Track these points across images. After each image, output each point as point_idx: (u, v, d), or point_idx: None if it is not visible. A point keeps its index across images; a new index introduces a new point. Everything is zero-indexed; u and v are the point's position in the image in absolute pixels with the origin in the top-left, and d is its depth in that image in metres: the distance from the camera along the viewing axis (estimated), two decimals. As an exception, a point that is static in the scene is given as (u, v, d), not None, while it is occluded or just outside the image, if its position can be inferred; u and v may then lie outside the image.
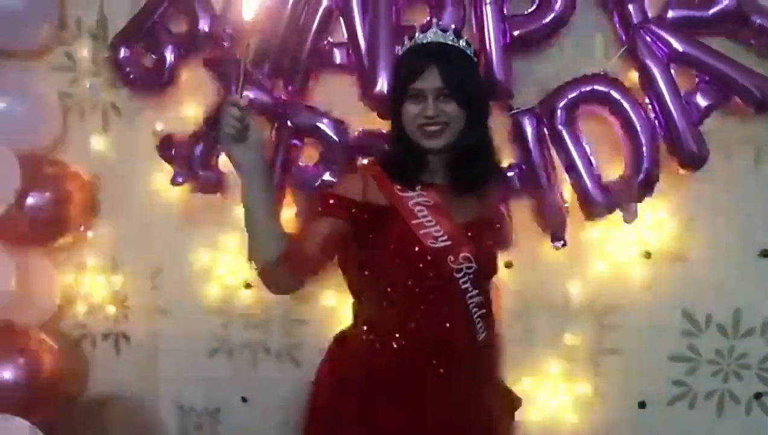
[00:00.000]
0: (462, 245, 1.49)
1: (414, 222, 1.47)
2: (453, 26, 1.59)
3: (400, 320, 1.51)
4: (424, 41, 1.49)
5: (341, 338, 1.67)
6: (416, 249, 1.47)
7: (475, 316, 1.53)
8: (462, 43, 1.50)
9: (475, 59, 1.54)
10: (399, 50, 1.57)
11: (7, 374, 2.15)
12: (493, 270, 1.65)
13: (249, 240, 1.44)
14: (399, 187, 1.51)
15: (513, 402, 1.72)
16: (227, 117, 1.35)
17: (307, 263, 1.46)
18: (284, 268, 1.42)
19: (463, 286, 1.50)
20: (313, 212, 1.52)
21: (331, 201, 1.47)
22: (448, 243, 1.48)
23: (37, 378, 2.21)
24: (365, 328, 1.57)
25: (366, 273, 1.54)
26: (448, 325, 1.51)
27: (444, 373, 1.51)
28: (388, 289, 1.51)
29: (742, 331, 2.13)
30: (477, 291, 1.52)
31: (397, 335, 1.51)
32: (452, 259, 1.48)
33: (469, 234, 1.53)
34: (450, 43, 1.49)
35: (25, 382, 2.18)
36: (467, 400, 1.54)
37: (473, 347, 1.55)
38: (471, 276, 1.50)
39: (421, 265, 1.47)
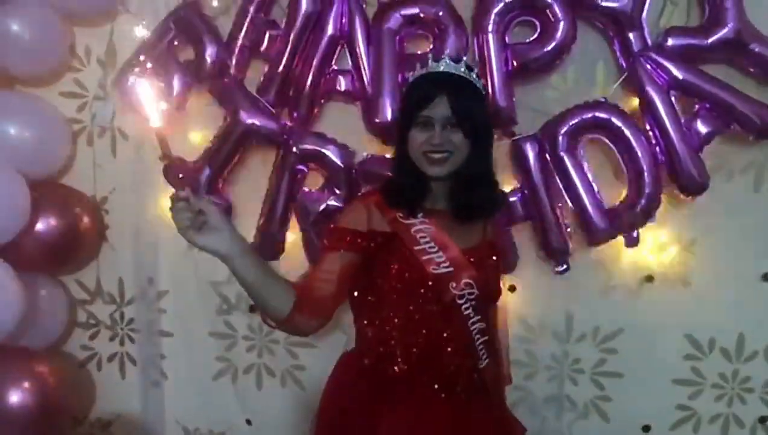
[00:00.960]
0: (464, 271, 1.50)
1: (416, 248, 1.49)
2: (465, 58, 1.61)
3: (402, 345, 1.52)
4: (436, 70, 1.52)
5: (345, 360, 1.69)
6: (418, 275, 1.48)
7: (478, 342, 1.54)
8: (473, 75, 1.53)
9: (484, 92, 1.57)
10: (410, 76, 1.59)
11: (15, 398, 2.17)
12: (496, 295, 1.66)
13: (256, 304, 1.44)
14: (401, 214, 1.52)
15: (517, 431, 1.73)
16: (177, 214, 1.31)
17: (323, 305, 1.48)
18: (302, 316, 1.43)
19: (466, 313, 1.51)
20: (320, 248, 1.53)
21: (338, 235, 1.49)
22: (450, 269, 1.49)
23: (44, 401, 2.22)
24: (368, 351, 1.59)
25: (369, 298, 1.56)
26: (449, 350, 1.52)
27: (446, 398, 1.53)
28: (391, 314, 1.53)
29: (746, 354, 2.14)
30: (479, 317, 1.54)
31: (399, 360, 1.52)
32: (454, 285, 1.49)
33: (471, 260, 1.54)
34: (461, 74, 1.51)
35: (33, 405, 2.19)
36: (470, 426, 1.54)
37: (475, 373, 1.56)
38: (473, 302, 1.52)
39: (422, 291, 1.49)
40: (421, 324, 1.51)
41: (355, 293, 1.59)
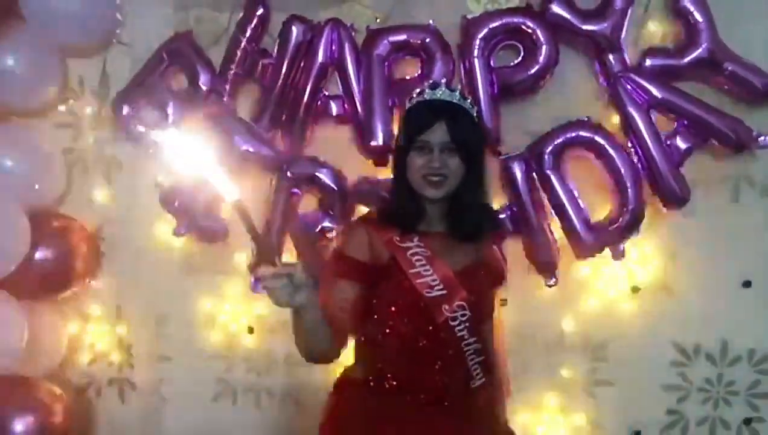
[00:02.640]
0: (457, 294, 1.54)
1: (411, 271, 1.53)
2: (459, 87, 1.67)
3: (393, 364, 1.57)
4: (434, 98, 1.58)
5: (343, 377, 1.73)
6: (411, 297, 1.53)
7: (472, 362, 1.58)
8: (467, 103, 1.60)
9: (477, 119, 1.63)
10: (408, 102, 1.64)
11: (20, 427, 2.19)
12: (489, 312, 1.69)
13: (307, 345, 1.44)
14: (398, 238, 1.57)
15: None
16: (279, 292, 1.28)
17: (345, 331, 1.52)
18: (336, 346, 1.49)
19: (459, 334, 1.55)
20: (330, 274, 1.55)
21: (346, 264, 1.54)
22: (444, 292, 1.53)
23: (47, 429, 2.24)
24: (362, 367, 1.64)
25: (366, 326, 1.59)
26: (440, 370, 1.56)
27: (437, 415, 1.56)
28: (387, 331, 1.56)
29: (730, 359, 2.22)
30: (474, 338, 1.58)
31: (389, 376, 1.57)
32: (447, 307, 1.53)
33: (465, 280, 1.58)
34: (456, 102, 1.58)
35: (36, 433, 2.21)
36: None
37: (468, 392, 1.60)
38: (467, 323, 1.55)
39: (416, 313, 1.53)
40: (413, 345, 1.55)
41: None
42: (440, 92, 1.58)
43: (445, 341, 1.55)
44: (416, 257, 1.54)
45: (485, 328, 1.66)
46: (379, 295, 1.55)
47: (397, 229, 1.57)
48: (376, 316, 1.56)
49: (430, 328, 1.53)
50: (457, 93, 1.59)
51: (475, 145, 1.58)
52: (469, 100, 1.61)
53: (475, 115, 1.61)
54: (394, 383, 1.56)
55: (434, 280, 1.53)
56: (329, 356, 1.51)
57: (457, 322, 1.54)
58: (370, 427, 1.57)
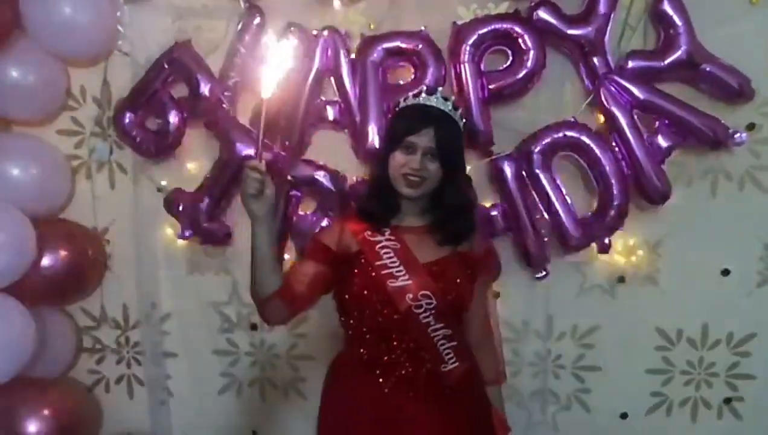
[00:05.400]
0: (422, 283, 1.66)
1: (377, 263, 1.66)
2: (453, 98, 1.78)
3: (368, 347, 1.69)
4: (427, 103, 1.69)
5: (333, 361, 1.83)
6: (376, 287, 1.65)
7: (442, 347, 1.68)
8: (457, 115, 1.71)
9: (462, 130, 1.74)
10: (402, 102, 1.74)
11: (33, 428, 2.28)
12: (463, 303, 1.75)
13: (253, 276, 1.64)
14: (369, 232, 1.70)
15: (501, 430, 1.84)
16: (249, 180, 1.54)
17: (296, 298, 1.67)
18: (279, 300, 1.64)
19: (424, 320, 1.66)
20: (303, 253, 1.77)
21: (314, 247, 1.72)
22: (408, 282, 1.65)
23: (58, 428, 2.33)
24: (348, 351, 1.76)
25: (343, 312, 1.74)
26: (408, 355, 1.67)
27: (422, 401, 1.67)
28: (360, 317, 1.69)
29: (710, 343, 2.35)
30: (442, 324, 1.68)
31: (366, 359, 1.69)
32: (411, 296, 1.64)
33: (434, 271, 1.68)
34: (448, 111, 1.68)
35: (49, 432, 2.30)
36: (450, 427, 1.68)
37: (439, 375, 1.69)
38: (433, 311, 1.66)
39: (380, 303, 1.65)
40: (386, 334, 1.67)
41: (337, 308, 1.76)
42: (435, 99, 1.69)
43: (409, 328, 1.66)
44: (384, 250, 1.68)
45: (460, 315, 1.75)
46: (351, 284, 1.67)
47: (371, 224, 1.70)
48: (351, 303, 1.69)
49: (395, 316, 1.65)
50: (450, 103, 1.70)
51: (457, 154, 1.72)
52: (459, 112, 1.72)
53: (462, 126, 1.72)
54: (378, 372, 1.68)
55: (399, 271, 1.66)
56: (274, 305, 1.64)
57: (422, 310, 1.65)
58: (354, 407, 1.70)
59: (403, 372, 1.66)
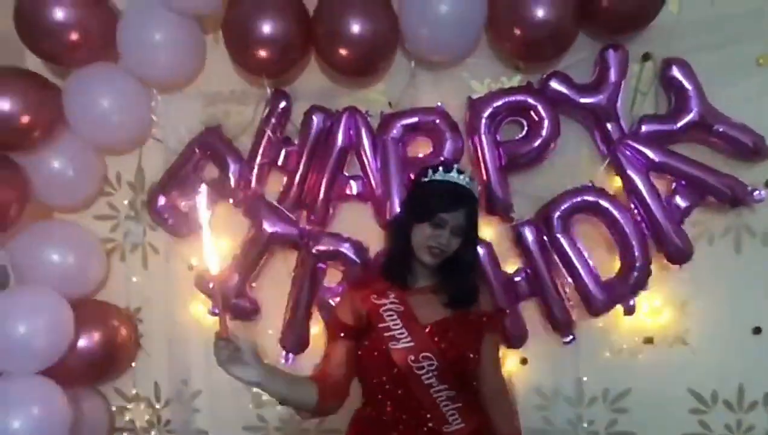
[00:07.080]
0: (424, 346, 1.73)
1: (381, 325, 1.76)
2: (469, 169, 1.93)
3: (379, 412, 1.77)
4: (458, 182, 1.78)
5: (354, 415, 1.87)
6: (380, 349, 1.74)
7: (446, 408, 1.74)
8: (475, 187, 1.83)
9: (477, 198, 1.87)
10: (430, 173, 1.81)
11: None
12: (471, 361, 1.79)
13: (292, 406, 1.71)
14: (375, 296, 1.78)
15: None
16: (217, 351, 1.56)
17: (340, 387, 1.77)
18: (325, 402, 1.70)
19: (427, 382, 1.72)
20: (327, 335, 1.89)
21: (334, 327, 1.82)
22: (411, 344, 1.73)
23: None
24: (362, 415, 1.82)
25: (357, 372, 1.81)
26: (412, 414, 1.73)
27: None
28: (370, 386, 1.78)
29: (747, 404, 2.30)
30: (446, 385, 1.74)
31: (381, 425, 1.76)
32: (412, 358, 1.72)
33: (439, 332, 1.75)
34: (475, 193, 1.82)
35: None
36: None
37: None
38: (435, 372, 1.73)
39: (383, 364, 1.74)
40: (392, 393, 1.74)
41: None
42: (464, 180, 1.79)
43: (412, 388, 1.73)
44: (388, 313, 1.77)
45: (466, 375, 1.80)
46: (362, 346, 1.77)
47: (383, 284, 1.80)
48: (360, 364, 1.78)
49: (398, 377, 1.73)
50: (467, 176, 1.81)
51: (476, 230, 1.84)
52: (475, 183, 1.84)
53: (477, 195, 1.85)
54: (379, 423, 1.76)
55: (401, 333, 1.74)
56: (324, 409, 1.73)
57: (424, 371, 1.72)
58: None
59: (406, 430, 1.73)
